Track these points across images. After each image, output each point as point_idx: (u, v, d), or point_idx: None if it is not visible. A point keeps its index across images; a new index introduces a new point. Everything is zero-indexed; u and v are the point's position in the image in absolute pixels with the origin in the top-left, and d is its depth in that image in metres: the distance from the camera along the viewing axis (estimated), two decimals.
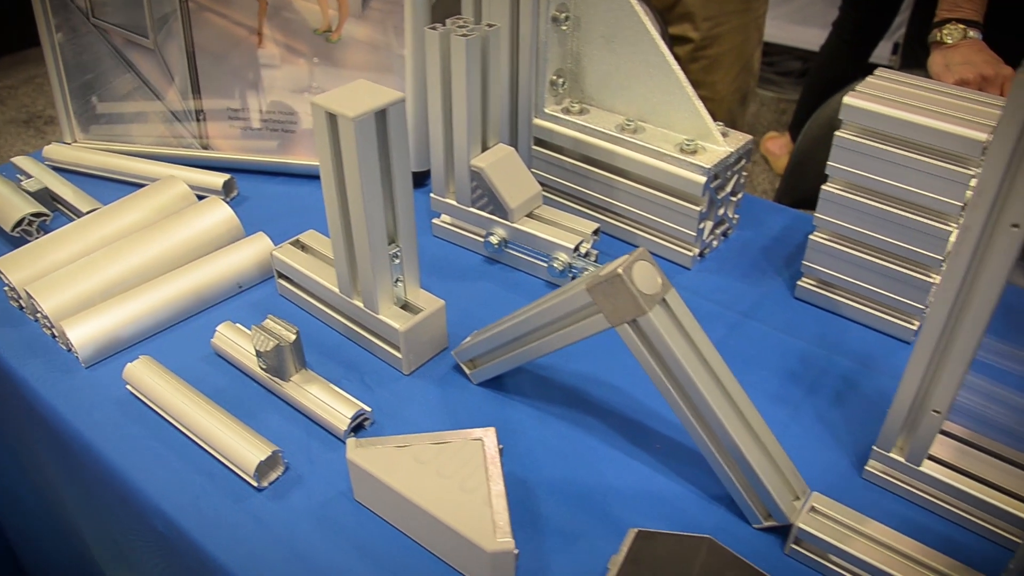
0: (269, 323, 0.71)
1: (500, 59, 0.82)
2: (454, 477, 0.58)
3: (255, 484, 0.64)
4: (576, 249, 0.82)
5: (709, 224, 0.88)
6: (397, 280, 0.74)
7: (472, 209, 0.87)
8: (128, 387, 0.73)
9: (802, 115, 2.38)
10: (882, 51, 2.54)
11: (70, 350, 0.77)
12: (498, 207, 0.85)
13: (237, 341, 0.75)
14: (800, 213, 0.98)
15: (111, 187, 1.02)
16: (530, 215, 0.87)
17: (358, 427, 0.69)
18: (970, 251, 0.51)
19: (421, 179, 1.02)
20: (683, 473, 0.65)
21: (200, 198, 0.93)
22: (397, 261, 0.72)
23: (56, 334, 0.79)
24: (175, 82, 1.04)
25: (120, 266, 0.82)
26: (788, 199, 1.36)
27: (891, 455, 0.62)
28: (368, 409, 0.69)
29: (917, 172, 0.69)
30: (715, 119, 0.87)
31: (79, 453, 0.71)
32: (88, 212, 0.93)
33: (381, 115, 0.64)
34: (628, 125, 0.88)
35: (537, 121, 0.93)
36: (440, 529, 0.56)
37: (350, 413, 0.67)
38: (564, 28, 0.89)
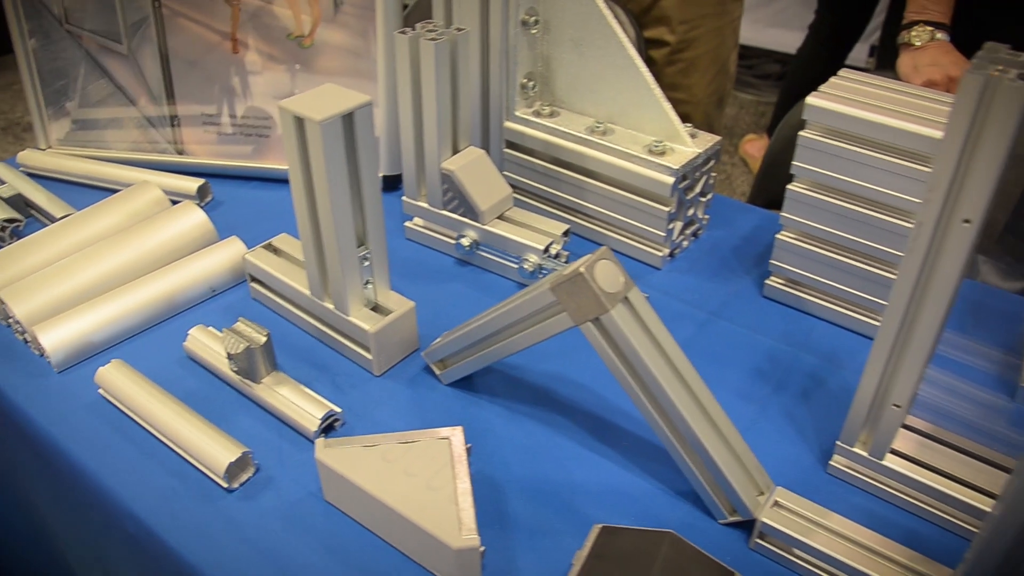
0: (240, 326, 0.71)
1: (470, 63, 0.83)
2: (421, 476, 0.59)
3: (225, 485, 0.64)
4: (546, 250, 0.83)
5: (679, 224, 0.88)
6: (367, 282, 0.74)
7: (443, 212, 0.88)
8: (100, 391, 0.73)
9: (780, 117, 2.40)
10: (859, 53, 2.56)
11: (42, 355, 0.77)
12: (469, 209, 0.86)
13: (209, 344, 0.76)
14: (770, 213, 0.98)
15: (86, 193, 1.02)
16: (501, 217, 0.87)
17: (328, 428, 0.69)
18: (924, 247, 0.52)
19: (395, 183, 1.02)
20: (649, 470, 0.66)
21: (174, 203, 0.93)
22: (367, 263, 0.73)
23: (28, 339, 0.79)
24: (149, 88, 1.05)
25: (93, 271, 0.82)
26: (761, 200, 1.37)
27: (854, 449, 0.63)
28: (338, 410, 0.69)
29: (880, 171, 0.71)
30: (692, 122, 0.88)
31: (52, 457, 0.71)
32: (62, 217, 0.93)
33: (348, 118, 0.65)
34: (598, 127, 0.89)
35: (508, 124, 0.93)
36: (407, 527, 0.57)
37: (320, 414, 0.68)
38: (534, 32, 0.90)
